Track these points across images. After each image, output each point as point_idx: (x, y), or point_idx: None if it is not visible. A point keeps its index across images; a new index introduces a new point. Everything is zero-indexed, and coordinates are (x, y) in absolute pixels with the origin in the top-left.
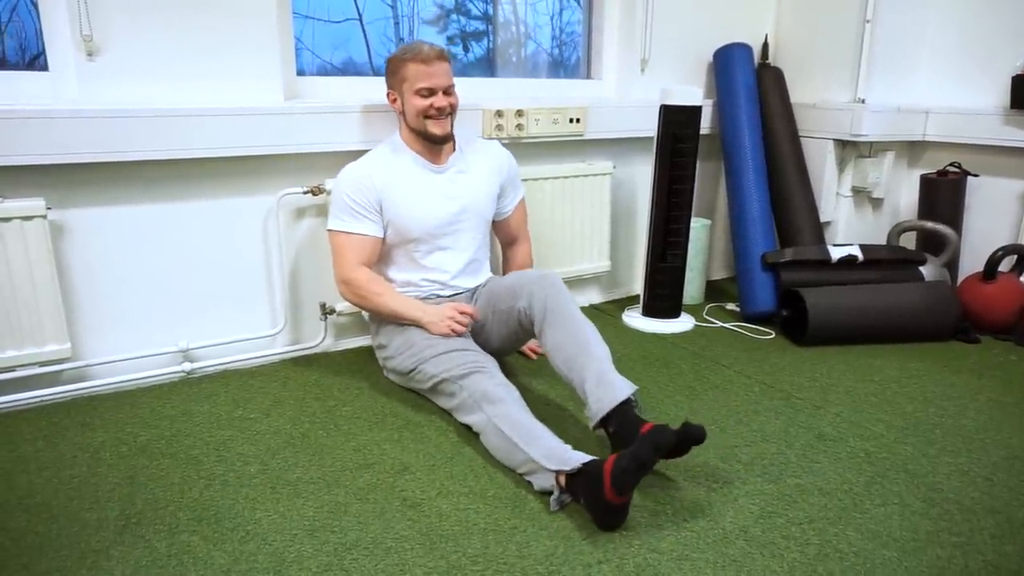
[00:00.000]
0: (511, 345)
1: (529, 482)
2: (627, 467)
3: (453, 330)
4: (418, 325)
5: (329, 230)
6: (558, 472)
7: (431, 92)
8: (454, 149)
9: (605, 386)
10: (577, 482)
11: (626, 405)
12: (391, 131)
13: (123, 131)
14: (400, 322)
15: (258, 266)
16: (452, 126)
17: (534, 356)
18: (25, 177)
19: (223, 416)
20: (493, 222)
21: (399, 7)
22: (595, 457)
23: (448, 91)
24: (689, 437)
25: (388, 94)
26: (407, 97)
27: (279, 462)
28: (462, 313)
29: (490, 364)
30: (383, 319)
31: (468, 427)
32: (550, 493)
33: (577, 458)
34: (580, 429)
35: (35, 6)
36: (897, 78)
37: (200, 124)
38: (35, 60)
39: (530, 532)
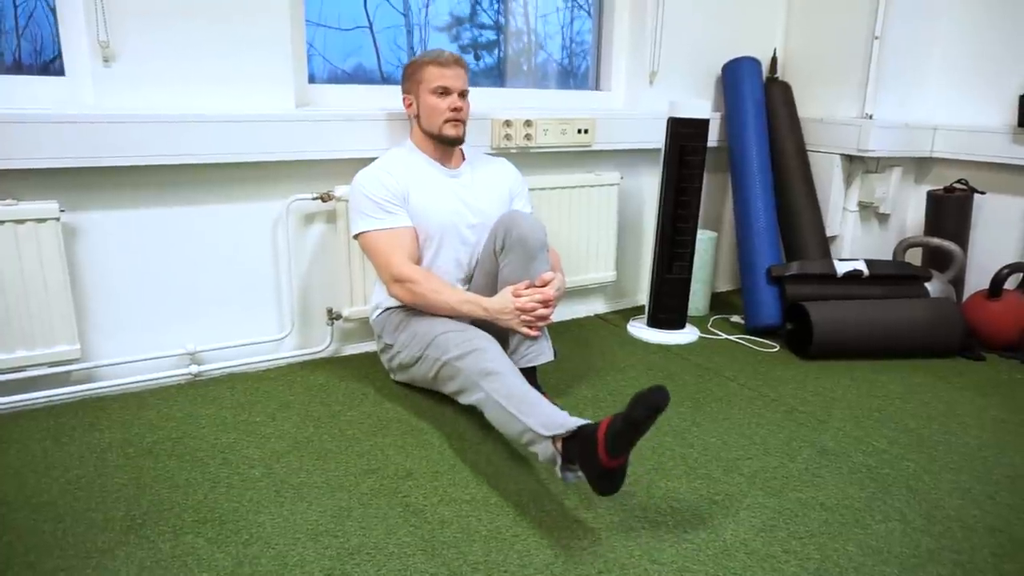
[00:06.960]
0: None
1: (534, 453)
2: (620, 429)
3: (531, 317)
4: (486, 320)
5: (359, 234)
6: (554, 438)
7: (446, 92)
8: (463, 159)
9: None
10: (573, 446)
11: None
12: (401, 138)
13: (137, 136)
14: (461, 318)
15: (266, 271)
16: (464, 132)
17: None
18: (39, 180)
19: (229, 419)
20: None
21: (411, 15)
22: (591, 421)
23: (463, 95)
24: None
25: (404, 99)
26: (423, 98)
27: (283, 466)
28: (517, 295)
29: (487, 343)
30: (438, 314)
31: (474, 422)
32: (554, 462)
33: (573, 422)
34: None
35: (53, 12)
36: (905, 94)
37: (212, 130)
38: (50, 64)
39: (531, 541)
